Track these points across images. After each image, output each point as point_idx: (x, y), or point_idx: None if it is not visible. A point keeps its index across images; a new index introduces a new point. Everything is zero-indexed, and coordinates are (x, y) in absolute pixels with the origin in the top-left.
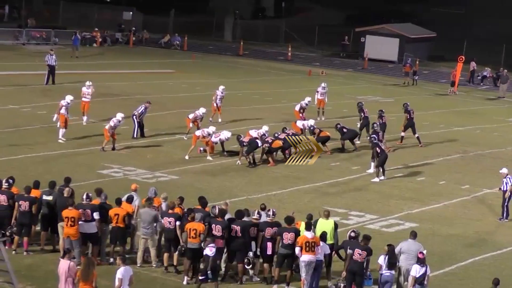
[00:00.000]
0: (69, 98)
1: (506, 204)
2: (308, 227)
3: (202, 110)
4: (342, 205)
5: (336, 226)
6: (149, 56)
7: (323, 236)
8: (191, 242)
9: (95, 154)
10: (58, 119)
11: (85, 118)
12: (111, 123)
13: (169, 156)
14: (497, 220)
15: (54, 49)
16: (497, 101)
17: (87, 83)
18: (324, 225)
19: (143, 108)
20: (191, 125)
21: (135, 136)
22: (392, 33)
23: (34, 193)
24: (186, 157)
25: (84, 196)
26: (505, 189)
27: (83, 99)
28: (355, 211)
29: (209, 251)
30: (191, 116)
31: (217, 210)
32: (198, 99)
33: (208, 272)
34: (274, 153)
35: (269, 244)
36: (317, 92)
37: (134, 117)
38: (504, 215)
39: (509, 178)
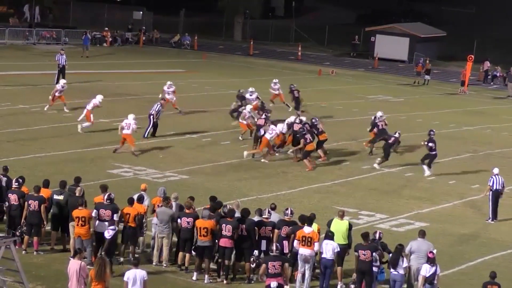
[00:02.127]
0: (100, 97)
1: (490, 203)
2: (309, 223)
3: (248, 108)
4: (352, 205)
5: (350, 226)
6: (159, 55)
7: (330, 236)
8: (202, 240)
9: (105, 154)
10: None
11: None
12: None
13: (179, 156)
14: (486, 219)
15: (64, 48)
16: (507, 100)
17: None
18: (338, 225)
19: (159, 106)
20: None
21: (146, 136)
22: (402, 32)
23: (44, 192)
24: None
25: (105, 197)
26: (494, 188)
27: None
28: (365, 211)
29: (107, 233)
30: (245, 120)
31: (227, 210)
32: (208, 98)
33: (102, 253)
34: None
35: (285, 243)
36: (271, 88)
37: (152, 116)
38: (491, 215)
39: (492, 178)
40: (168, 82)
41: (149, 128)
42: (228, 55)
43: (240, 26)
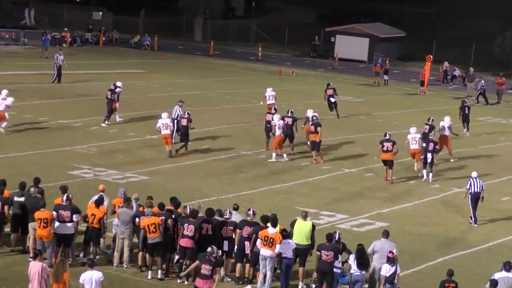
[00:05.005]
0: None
1: (470, 207)
2: (273, 224)
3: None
4: (313, 205)
5: (313, 227)
6: (119, 56)
7: (286, 235)
8: (152, 236)
9: (66, 155)
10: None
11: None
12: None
13: (140, 157)
14: (467, 221)
15: (62, 49)
16: (466, 100)
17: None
18: (302, 225)
19: (178, 108)
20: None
21: (173, 140)
22: (362, 32)
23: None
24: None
25: (64, 198)
26: (473, 191)
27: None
28: (326, 211)
29: None
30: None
31: (188, 210)
32: (169, 99)
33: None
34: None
35: (247, 243)
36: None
37: (176, 121)
38: (473, 219)
39: (471, 181)
40: (4, 91)
41: (175, 134)
42: (188, 56)
43: (200, 26)
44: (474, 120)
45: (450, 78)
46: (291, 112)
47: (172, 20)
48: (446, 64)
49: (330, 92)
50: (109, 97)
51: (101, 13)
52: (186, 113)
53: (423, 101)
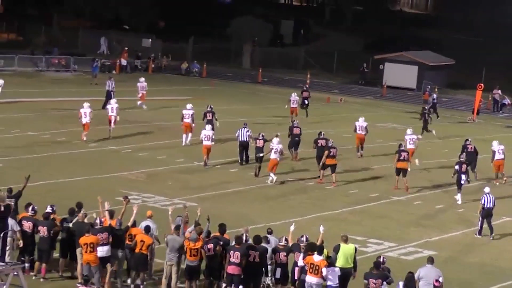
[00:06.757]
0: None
1: (482, 220)
2: (319, 252)
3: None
4: (361, 233)
5: (355, 249)
6: (168, 83)
7: (331, 262)
8: (191, 260)
9: (114, 181)
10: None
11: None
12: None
13: (188, 183)
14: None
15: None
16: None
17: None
18: (346, 249)
19: (247, 130)
20: None
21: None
22: (411, 60)
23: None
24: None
25: (98, 221)
26: (486, 206)
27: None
28: (373, 239)
29: None
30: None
31: (244, 237)
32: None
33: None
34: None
35: (297, 268)
36: None
37: (247, 142)
38: (479, 230)
39: (484, 196)
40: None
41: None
42: (236, 83)
43: (249, 54)
44: None
45: (500, 106)
46: (323, 134)
47: (221, 47)
48: (496, 91)
49: (305, 94)
50: (210, 117)
51: (150, 40)
52: (260, 135)
53: (472, 129)
